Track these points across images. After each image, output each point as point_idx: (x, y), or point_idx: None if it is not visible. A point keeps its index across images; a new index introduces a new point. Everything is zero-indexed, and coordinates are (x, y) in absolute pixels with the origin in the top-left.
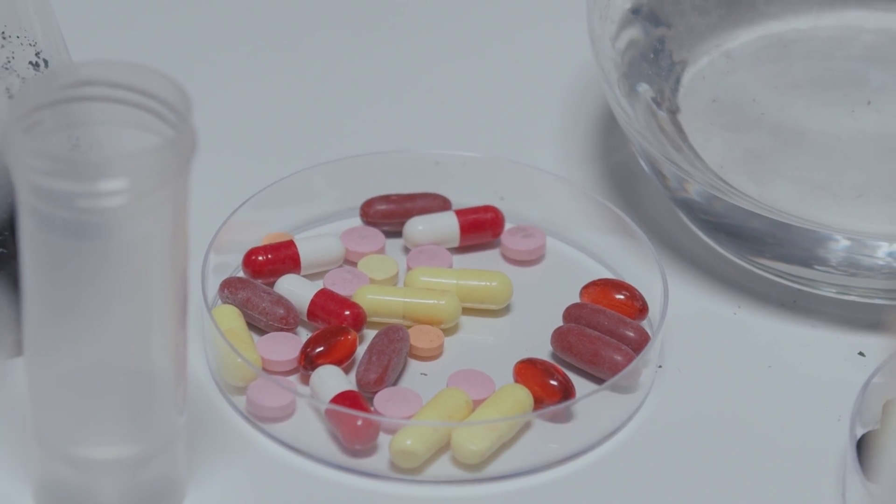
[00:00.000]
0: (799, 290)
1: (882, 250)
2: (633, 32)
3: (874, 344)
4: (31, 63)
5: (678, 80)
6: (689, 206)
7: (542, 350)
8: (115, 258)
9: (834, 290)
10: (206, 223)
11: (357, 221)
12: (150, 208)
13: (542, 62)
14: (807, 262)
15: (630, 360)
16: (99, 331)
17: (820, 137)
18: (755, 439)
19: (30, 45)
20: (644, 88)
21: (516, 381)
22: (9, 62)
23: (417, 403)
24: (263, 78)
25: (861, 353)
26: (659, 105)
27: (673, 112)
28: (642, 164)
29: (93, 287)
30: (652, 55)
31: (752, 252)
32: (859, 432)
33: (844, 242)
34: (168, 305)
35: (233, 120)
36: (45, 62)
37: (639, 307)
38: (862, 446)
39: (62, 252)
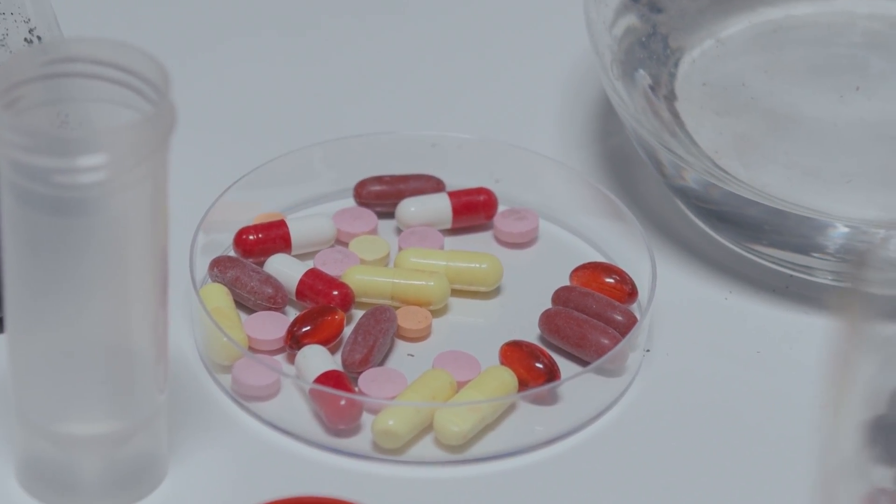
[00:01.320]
0: (791, 275)
1: (880, 237)
2: (630, 19)
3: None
4: (25, 40)
5: (675, 67)
6: (685, 194)
7: (531, 332)
8: (95, 235)
9: (830, 278)
10: (198, 202)
11: (351, 202)
12: (130, 185)
13: (541, 47)
14: (804, 250)
15: (616, 343)
16: (79, 307)
17: (811, 123)
18: (742, 425)
19: (23, 21)
20: (641, 75)
21: (502, 363)
22: (3, 39)
23: (402, 384)
24: (261, 57)
25: (842, 343)
26: (656, 92)
27: (670, 99)
28: (639, 150)
29: (72, 264)
30: (649, 42)
31: (748, 239)
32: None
33: (843, 230)
34: (148, 282)
35: (229, 99)
36: (39, 39)
37: (628, 291)
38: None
39: (42, 228)
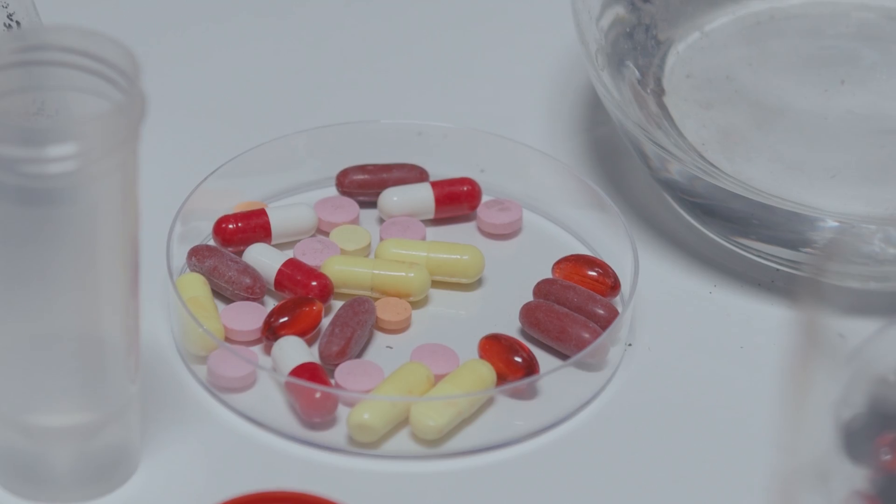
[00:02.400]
0: (778, 270)
1: (875, 235)
2: (617, 10)
3: (853, 326)
4: (5, 25)
5: (662, 59)
6: (671, 186)
7: (512, 326)
8: (65, 225)
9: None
10: (179, 190)
11: (334, 191)
12: (99, 174)
13: (528, 37)
14: (792, 244)
15: (597, 337)
16: (49, 298)
17: (797, 116)
18: (723, 420)
19: (2, 6)
20: (628, 67)
21: (481, 356)
22: None
23: (379, 377)
24: (244, 44)
25: (840, 335)
26: (642, 84)
27: (657, 92)
28: (625, 142)
29: (42, 254)
30: (635, 33)
31: (735, 232)
32: (845, 415)
33: (832, 224)
34: (118, 273)
35: (213, 86)
36: (18, 24)
37: (611, 284)
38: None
39: (11, 219)
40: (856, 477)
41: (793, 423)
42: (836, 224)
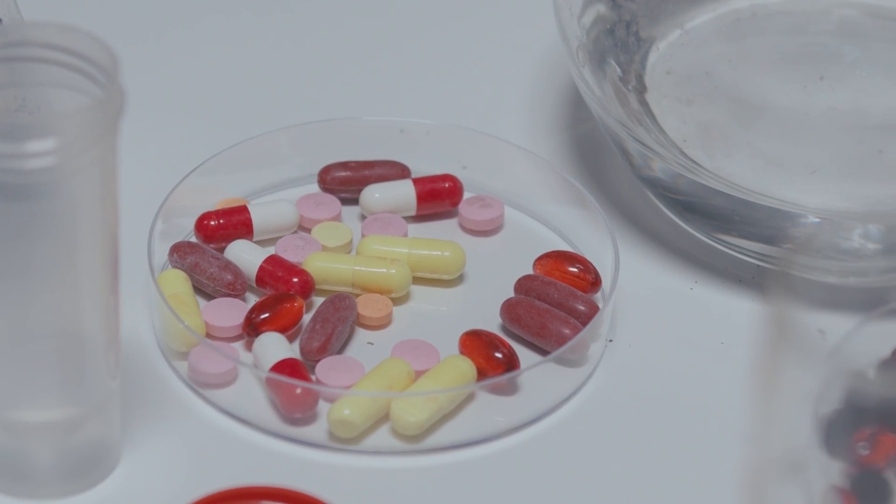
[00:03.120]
0: (758, 265)
1: (854, 231)
2: (599, 8)
3: (832, 321)
4: None
5: (644, 56)
6: (653, 183)
7: (493, 322)
8: (44, 220)
9: (801, 269)
10: (160, 187)
11: (316, 188)
12: (78, 169)
13: (510, 35)
14: (773, 240)
15: (577, 333)
16: (28, 294)
17: (775, 112)
18: (704, 416)
19: None
20: (610, 64)
21: (461, 352)
22: None
23: (360, 373)
24: (227, 41)
25: (820, 331)
26: (624, 81)
27: (639, 90)
28: (607, 139)
29: (21, 249)
30: (617, 31)
31: (716, 229)
32: (823, 410)
33: (813, 221)
34: (98, 269)
35: (195, 82)
36: (0, 20)
37: (591, 280)
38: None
39: None
40: (832, 471)
41: (763, 416)
42: (817, 220)
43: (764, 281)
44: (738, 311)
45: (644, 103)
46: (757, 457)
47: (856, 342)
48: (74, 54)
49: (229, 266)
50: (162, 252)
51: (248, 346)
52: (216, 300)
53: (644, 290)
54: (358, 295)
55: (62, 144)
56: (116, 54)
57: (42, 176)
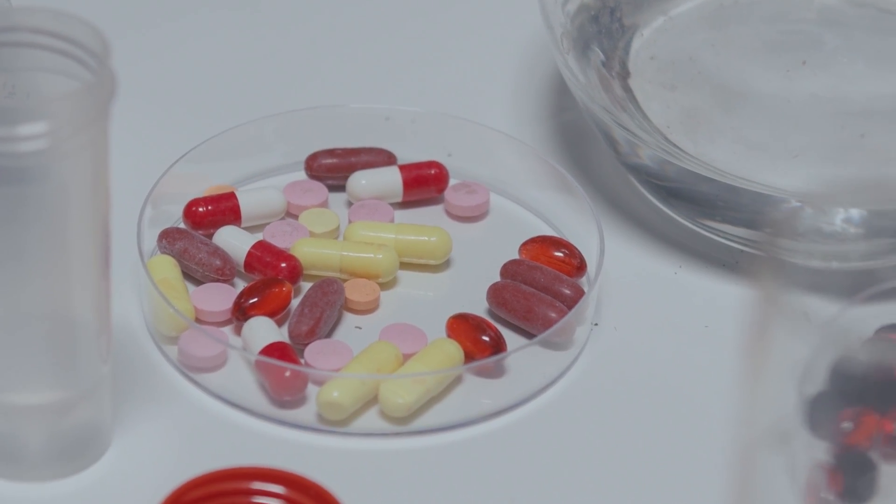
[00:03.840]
0: (741, 250)
1: (836, 215)
2: None
3: (817, 306)
4: None
5: (628, 43)
6: (637, 169)
7: (480, 306)
8: (35, 203)
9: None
10: (149, 173)
11: (302, 175)
12: (70, 153)
13: (495, 22)
14: (755, 225)
15: (563, 316)
16: (18, 277)
17: (759, 98)
18: (689, 399)
19: None
20: (594, 51)
21: (448, 336)
22: None
23: (348, 356)
24: (213, 29)
25: (805, 314)
26: (609, 69)
27: (623, 77)
28: (591, 125)
29: (12, 233)
30: (601, 17)
31: (699, 214)
32: (808, 390)
33: (796, 205)
34: (90, 252)
35: (181, 70)
36: None
37: (577, 264)
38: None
39: None
40: (818, 450)
41: (751, 394)
42: (798, 204)
43: (749, 264)
44: (722, 295)
45: (628, 90)
46: (745, 434)
47: (840, 324)
48: (65, 39)
49: (218, 251)
50: (150, 238)
51: (237, 331)
52: (205, 285)
53: (628, 274)
54: (345, 280)
55: (53, 128)
56: (107, 38)
57: (33, 159)
